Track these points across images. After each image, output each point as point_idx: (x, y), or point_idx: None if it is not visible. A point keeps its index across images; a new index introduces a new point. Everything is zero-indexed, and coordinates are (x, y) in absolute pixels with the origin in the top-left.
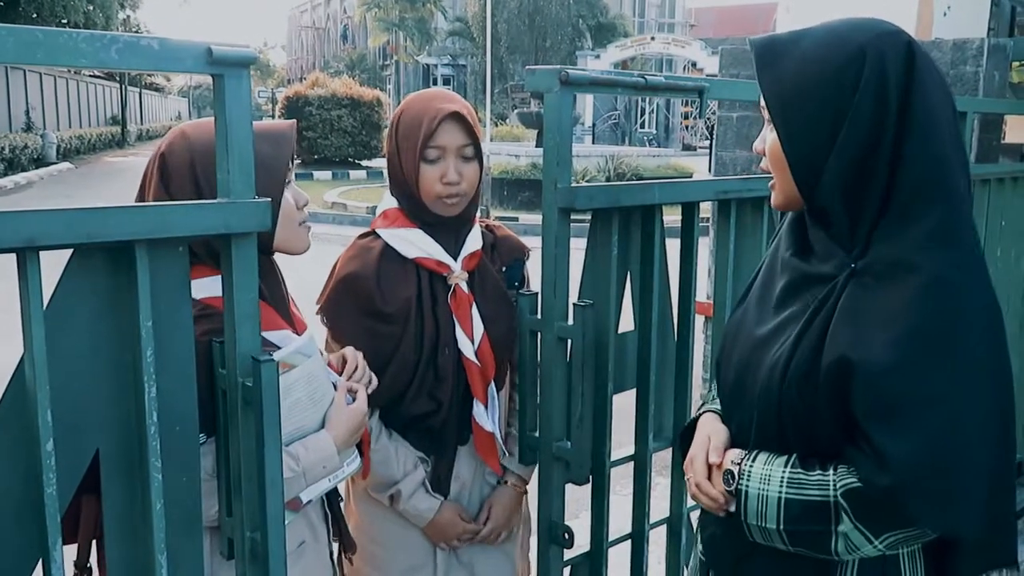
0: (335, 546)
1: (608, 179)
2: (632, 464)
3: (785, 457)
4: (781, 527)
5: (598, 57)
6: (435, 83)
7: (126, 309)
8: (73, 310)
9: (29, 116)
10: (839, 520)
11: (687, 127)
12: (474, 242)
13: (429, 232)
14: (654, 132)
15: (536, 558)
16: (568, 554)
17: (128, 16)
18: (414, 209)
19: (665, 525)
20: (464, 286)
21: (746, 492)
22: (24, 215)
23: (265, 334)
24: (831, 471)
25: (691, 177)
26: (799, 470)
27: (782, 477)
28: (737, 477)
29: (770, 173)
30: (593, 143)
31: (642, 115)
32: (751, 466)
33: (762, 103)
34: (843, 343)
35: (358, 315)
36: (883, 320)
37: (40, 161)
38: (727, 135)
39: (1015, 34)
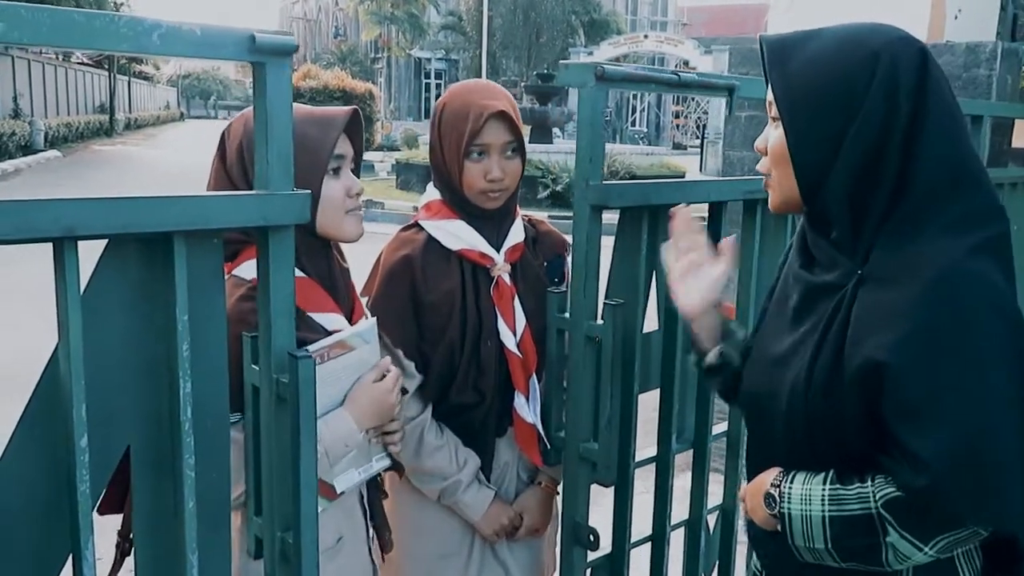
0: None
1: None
2: (648, 465)
3: (823, 474)
4: (829, 545)
5: (591, 54)
6: (427, 77)
7: (159, 301)
8: (106, 302)
9: (17, 103)
10: (886, 532)
11: (677, 126)
12: (517, 234)
13: (472, 224)
14: (645, 130)
15: (559, 557)
16: (589, 555)
17: (120, 2)
18: (457, 201)
19: (683, 528)
20: (507, 278)
21: (789, 514)
22: (63, 204)
23: (313, 315)
24: (869, 483)
25: (684, 176)
26: (837, 486)
27: (822, 496)
28: (778, 500)
29: (766, 174)
30: None
31: (633, 113)
32: (790, 487)
33: (768, 100)
34: (861, 351)
35: (404, 306)
36: (893, 321)
37: (28, 148)
38: (735, 135)
39: (1016, 38)
